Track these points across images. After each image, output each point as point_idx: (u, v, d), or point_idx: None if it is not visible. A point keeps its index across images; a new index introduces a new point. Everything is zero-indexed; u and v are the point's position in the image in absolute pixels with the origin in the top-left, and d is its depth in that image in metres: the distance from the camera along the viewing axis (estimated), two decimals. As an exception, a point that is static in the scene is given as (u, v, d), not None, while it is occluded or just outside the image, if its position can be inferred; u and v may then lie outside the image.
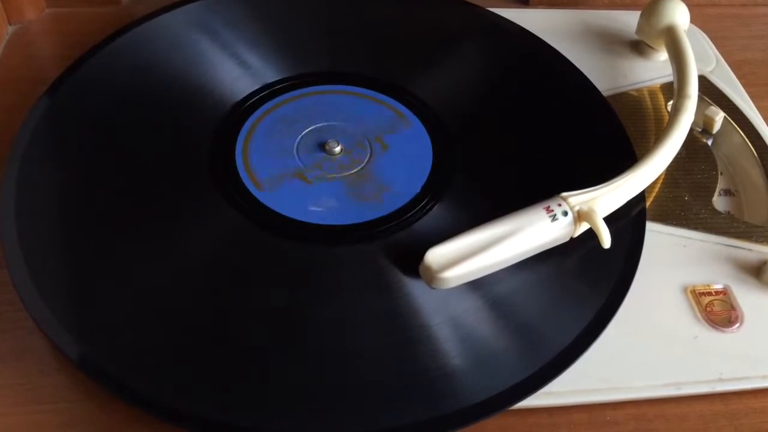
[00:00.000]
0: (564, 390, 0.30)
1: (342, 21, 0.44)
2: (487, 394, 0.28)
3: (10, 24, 0.45)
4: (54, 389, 0.30)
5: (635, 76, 0.45)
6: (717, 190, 0.39)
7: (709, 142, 0.42)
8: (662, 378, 0.31)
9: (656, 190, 0.39)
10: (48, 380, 0.30)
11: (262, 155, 0.36)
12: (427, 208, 0.35)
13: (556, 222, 0.32)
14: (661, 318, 0.33)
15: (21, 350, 0.31)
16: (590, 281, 0.33)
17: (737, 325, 0.33)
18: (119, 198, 0.34)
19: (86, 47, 0.40)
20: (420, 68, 0.42)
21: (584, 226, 0.33)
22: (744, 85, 0.45)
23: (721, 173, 0.40)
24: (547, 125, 0.40)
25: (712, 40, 0.48)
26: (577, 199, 0.32)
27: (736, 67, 0.46)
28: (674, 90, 0.40)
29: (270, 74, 0.40)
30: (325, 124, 0.38)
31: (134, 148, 0.36)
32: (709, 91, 0.44)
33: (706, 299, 0.34)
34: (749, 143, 0.41)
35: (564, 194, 0.33)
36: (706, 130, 0.42)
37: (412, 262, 0.31)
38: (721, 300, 0.34)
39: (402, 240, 0.33)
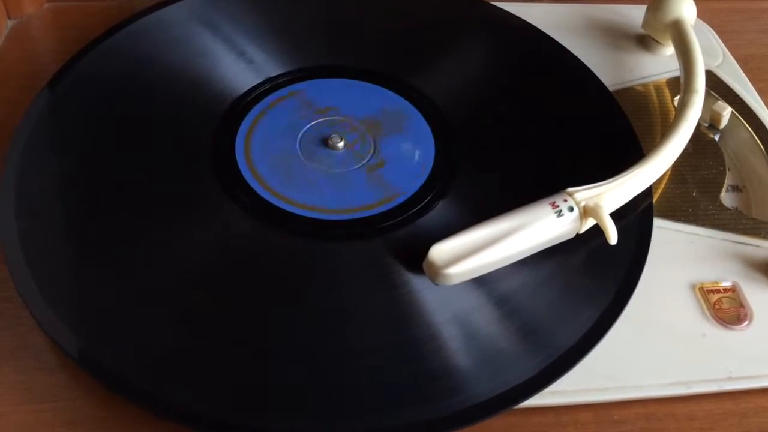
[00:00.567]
0: (570, 389, 0.30)
1: (344, 14, 0.43)
2: (492, 392, 0.28)
3: (10, 18, 0.45)
4: (54, 387, 0.29)
5: (641, 70, 0.45)
6: (725, 185, 0.38)
7: (716, 138, 0.41)
8: (670, 376, 0.30)
9: (662, 185, 0.38)
10: (48, 378, 0.29)
11: (263, 150, 0.35)
12: (431, 203, 0.34)
13: (561, 218, 0.31)
14: (668, 316, 0.32)
15: (21, 348, 0.30)
16: (596, 278, 0.32)
17: (746, 322, 0.32)
18: (119, 194, 0.33)
19: (86, 42, 0.39)
20: (423, 62, 0.41)
21: (590, 222, 0.32)
22: (751, 80, 0.44)
23: (729, 169, 0.40)
24: (553, 120, 0.39)
25: (718, 35, 0.48)
26: (583, 194, 0.32)
27: (743, 61, 0.46)
28: (681, 85, 0.40)
29: (272, 68, 0.39)
30: (328, 118, 0.37)
31: (135, 144, 0.35)
32: (716, 86, 0.44)
33: (715, 297, 0.33)
34: (757, 138, 0.41)
35: (570, 189, 0.32)
36: (713, 126, 0.41)
37: (415, 258, 0.31)
38: (730, 297, 0.33)
39: (405, 236, 0.33)
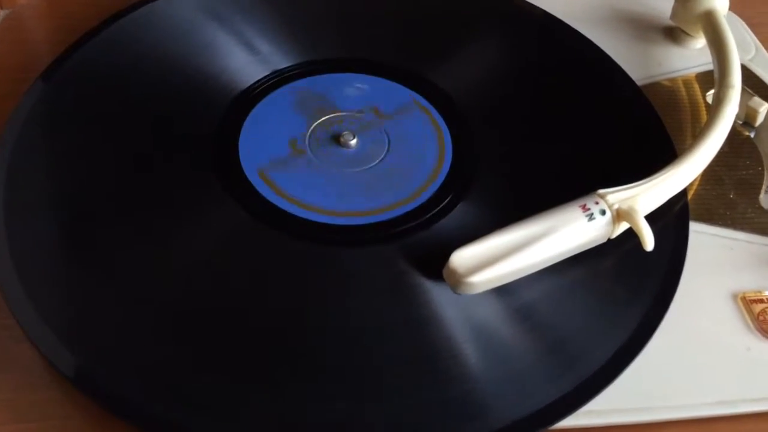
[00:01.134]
0: (604, 408, 0.27)
1: (356, 5, 0.41)
2: (519, 414, 0.26)
3: (1, 8, 0.43)
4: (45, 404, 0.27)
5: (669, 64, 0.43)
6: (764, 187, 0.36)
7: (752, 135, 0.39)
8: (712, 395, 0.28)
9: (695, 186, 0.36)
10: (38, 395, 0.27)
11: (270, 146, 0.34)
12: (450, 206, 0.32)
13: (593, 221, 0.29)
14: (708, 328, 0.30)
15: (9, 361, 0.28)
16: (630, 287, 0.30)
17: (793, 335, 0.30)
18: (116, 194, 0.31)
19: (83, 32, 0.37)
20: (439, 56, 0.39)
21: (623, 227, 0.30)
22: (786, 75, 0.42)
23: (767, 169, 0.37)
24: (578, 117, 0.37)
25: (750, 27, 0.46)
26: (615, 196, 0.30)
27: (777, 54, 0.44)
28: (715, 79, 0.38)
29: (280, 60, 0.37)
30: (339, 114, 0.35)
31: (133, 140, 0.34)
32: (749, 80, 0.41)
33: (759, 307, 0.31)
34: (795, 136, 0.38)
35: (601, 191, 0.30)
36: (748, 123, 0.39)
37: (434, 265, 0.29)
38: (774, 307, 0.31)
39: (422, 241, 0.31)
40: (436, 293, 0.29)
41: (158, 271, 0.29)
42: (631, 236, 0.30)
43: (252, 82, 0.36)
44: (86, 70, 0.36)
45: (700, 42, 0.43)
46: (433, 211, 0.32)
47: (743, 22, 0.46)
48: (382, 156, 0.34)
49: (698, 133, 0.34)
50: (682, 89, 0.41)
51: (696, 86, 0.42)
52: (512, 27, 0.42)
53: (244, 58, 0.37)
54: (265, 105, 0.35)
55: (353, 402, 0.26)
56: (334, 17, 0.40)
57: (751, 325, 0.30)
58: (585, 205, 0.30)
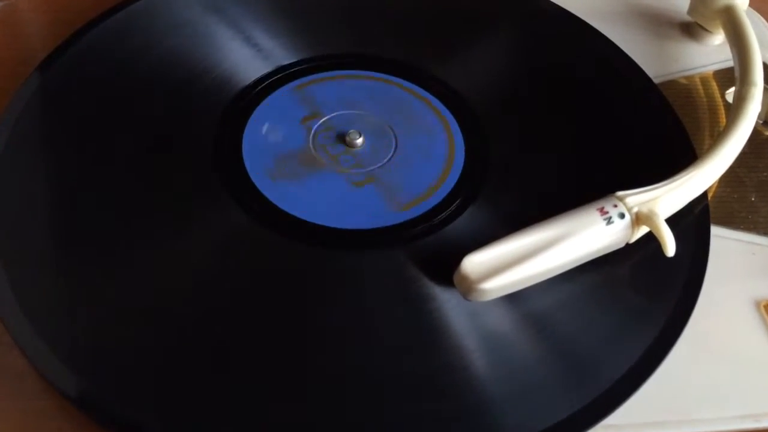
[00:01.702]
0: (621, 423, 0.26)
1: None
2: (532, 430, 0.25)
3: (-2, 0, 0.42)
4: (36, 417, 0.26)
5: (686, 61, 0.41)
6: (787, 189, 0.35)
7: (773, 136, 0.38)
8: (736, 408, 0.27)
9: (714, 188, 0.35)
10: (29, 405, 0.26)
11: (273, 146, 0.32)
12: (461, 208, 0.31)
13: (611, 225, 0.28)
14: (731, 337, 0.29)
15: (-1, 369, 0.27)
16: (649, 295, 0.29)
17: (820, 345, 0.29)
18: (113, 194, 0.30)
19: (80, 25, 0.36)
20: (450, 52, 0.38)
21: (642, 231, 0.29)
22: (808, 73, 0.41)
23: (790, 171, 0.36)
24: (593, 116, 0.36)
25: (769, 23, 0.44)
26: (635, 199, 0.29)
27: (797, 52, 0.42)
28: (736, 77, 0.36)
29: (284, 56, 0.36)
30: (345, 112, 0.34)
31: (131, 138, 0.32)
32: (770, 79, 0.40)
33: (783, 315, 0.30)
34: (818, 138, 0.37)
35: (619, 193, 0.29)
36: (769, 123, 0.38)
37: (444, 270, 0.28)
38: (800, 316, 0.30)
39: (432, 245, 0.30)
40: (446, 300, 0.28)
41: (158, 277, 0.28)
42: (647, 240, 0.29)
43: (255, 78, 0.35)
44: (83, 64, 0.35)
45: (718, 38, 0.42)
46: (444, 214, 0.31)
47: (762, 18, 0.45)
48: (389, 156, 0.33)
49: (720, 132, 0.33)
50: (700, 87, 0.40)
51: (714, 84, 0.40)
52: (525, 24, 0.40)
53: (245, 52, 0.36)
54: (269, 103, 0.34)
55: (355, 412, 0.25)
56: (340, 12, 0.39)
57: (776, 334, 0.29)
58: (603, 208, 0.28)
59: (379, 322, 0.27)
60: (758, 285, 0.31)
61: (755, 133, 0.37)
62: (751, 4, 0.44)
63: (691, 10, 0.42)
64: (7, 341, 0.27)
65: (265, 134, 0.33)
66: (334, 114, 0.34)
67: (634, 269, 0.29)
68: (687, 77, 0.41)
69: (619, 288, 0.29)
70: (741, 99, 0.34)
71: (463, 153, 0.33)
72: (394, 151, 0.33)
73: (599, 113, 0.36)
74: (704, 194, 0.32)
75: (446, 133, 0.34)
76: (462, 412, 0.25)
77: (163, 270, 0.28)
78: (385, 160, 0.32)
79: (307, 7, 0.39)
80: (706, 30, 0.42)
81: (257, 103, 0.34)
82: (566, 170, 0.33)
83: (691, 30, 0.43)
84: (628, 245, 0.29)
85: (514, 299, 0.28)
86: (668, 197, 0.29)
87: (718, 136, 0.33)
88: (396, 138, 0.33)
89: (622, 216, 0.28)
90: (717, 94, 0.40)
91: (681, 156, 0.33)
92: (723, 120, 0.38)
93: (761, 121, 0.38)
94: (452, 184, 0.32)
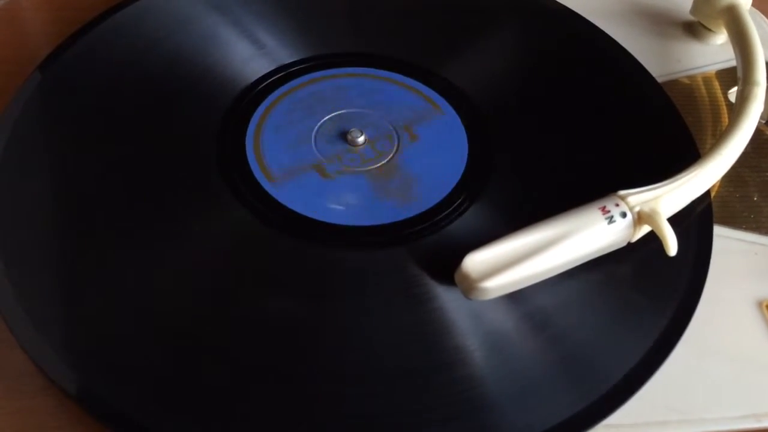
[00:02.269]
0: (624, 422, 0.26)
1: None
2: (534, 430, 0.25)
3: (-1, -1, 0.42)
4: (36, 414, 0.26)
5: (689, 61, 0.41)
6: (789, 189, 0.35)
7: (776, 135, 0.37)
8: (739, 408, 0.27)
9: (717, 188, 0.35)
10: (29, 403, 0.26)
11: (275, 145, 0.32)
12: (462, 207, 0.31)
13: (613, 224, 0.28)
14: (733, 337, 0.29)
15: (-1, 367, 0.27)
16: (651, 294, 0.29)
17: (822, 345, 0.29)
18: (114, 194, 0.30)
19: (82, 23, 0.36)
20: (453, 51, 0.38)
21: (644, 230, 0.29)
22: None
23: (793, 171, 0.36)
24: (596, 115, 0.36)
25: (772, 23, 0.44)
26: (637, 198, 0.29)
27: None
28: (739, 76, 0.36)
29: (286, 54, 0.36)
30: (347, 111, 0.34)
31: (133, 137, 0.32)
32: (772, 78, 0.40)
33: (786, 315, 0.30)
34: (821, 137, 0.37)
35: (621, 192, 0.29)
36: (772, 122, 0.38)
37: (445, 269, 0.28)
38: (801, 316, 0.30)
39: (433, 244, 0.29)
40: (447, 299, 0.27)
41: (159, 276, 0.28)
42: (648, 239, 0.28)
43: (257, 77, 0.35)
44: (84, 63, 0.35)
45: (720, 38, 0.42)
46: (446, 213, 0.30)
47: (765, 18, 0.45)
48: (391, 155, 0.33)
49: (722, 131, 0.33)
50: (702, 87, 0.40)
51: (716, 84, 0.40)
52: (528, 22, 0.40)
53: (248, 51, 0.36)
54: (271, 101, 0.34)
55: (355, 410, 0.25)
56: (342, 11, 0.39)
57: (778, 334, 0.29)
58: (605, 207, 0.28)
59: (379, 321, 0.27)
60: (760, 285, 0.31)
61: (758, 133, 0.37)
62: (753, 4, 0.43)
63: (694, 9, 0.42)
64: (7, 339, 0.27)
65: (267, 132, 0.33)
66: (336, 112, 0.34)
67: (636, 269, 0.29)
68: (689, 77, 0.40)
69: (621, 287, 0.29)
70: (743, 98, 0.34)
71: (466, 151, 0.33)
72: (397, 150, 0.33)
73: (602, 112, 0.36)
74: (707, 194, 0.32)
75: (449, 131, 0.34)
76: (462, 412, 0.25)
77: (163, 269, 0.28)
78: (388, 159, 0.32)
79: (309, 6, 0.39)
80: (709, 29, 0.42)
81: (259, 102, 0.34)
82: (568, 169, 0.33)
83: (694, 29, 0.43)
84: (630, 244, 0.29)
85: (516, 298, 0.27)
86: (670, 196, 0.29)
87: (721, 135, 0.32)
88: (398, 136, 0.33)
89: (623, 215, 0.28)
90: (719, 94, 0.39)
91: (683, 155, 0.33)
92: (725, 120, 0.38)
93: (764, 121, 0.38)
94: (455, 183, 0.31)
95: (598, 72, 0.38)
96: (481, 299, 0.27)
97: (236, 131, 0.32)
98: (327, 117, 0.34)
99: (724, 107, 0.39)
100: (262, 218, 0.30)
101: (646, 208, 0.28)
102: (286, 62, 0.36)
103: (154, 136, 0.32)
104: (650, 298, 0.28)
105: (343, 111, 0.34)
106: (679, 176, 0.30)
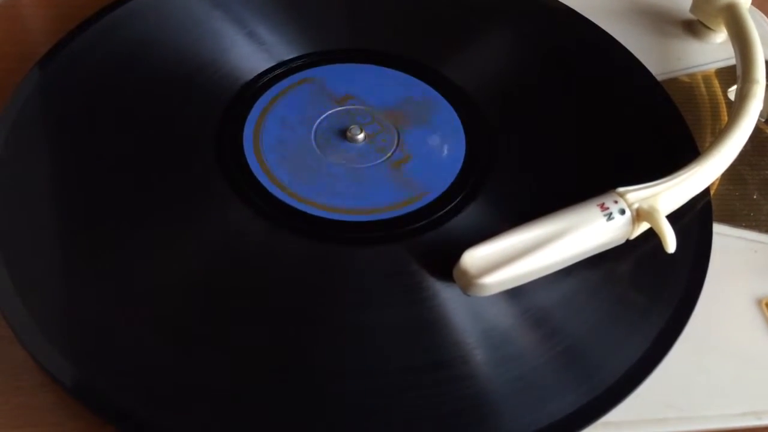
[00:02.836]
0: (624, 420, 0.26)
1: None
2: (532, 426, 0.25)
3: (-1, -4, 0.42)
4: (35, 410, 0.26)
5: (688, 59, 0.41)
6: (789, 187, 0.35)
7: (776, 133, 0.37)
8: (738, 406, 0.27)
9: (716, 186, 0.35)
10: (28, 399, 0.26)
11: (274, 142, 0.32)
12: (462, 204, 0.31)
13: (612, 221, 0.28)
14: (732, 334, 0.29)
15: (-3, 363, 0.27)
16: (651, 292, 0.29)
17: (821, 342, 0.29)
18: (113, 191, 0.30)
19: (81, 20, 0.36)
20: (453, 48, 0.38)
21: (643, 227, 0.29)
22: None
23: (792, 169, 0.36)
24: (595, 113, 0.36)
25: (771, 22, 0.44)
26: (636, 195, 0.29)
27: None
28: (738, 75, 0.36)
29: (286, 51, 0.36)
30: (347, 107, 0.34)
31: (132, 133, 0.32)
32: (772, 77, 0.40)
33: (785, 313, 0.30)
34: (820, 135, 0.37)
35: (620, 189, 0.29)
36: (771, 121, 0.38)
37: (444, 265, 0.28)
38: (800, 313, 0.30)
39: (433, 240, 0.29)
40: (446, 295, 0.27)
41: (160, 272, 0.28)
42: (651, 237, 0.28)
43: (256, 73, 0.35)
44: (83, 59, 0.34)
45: (720, 36, 0.42)
46: (445, 209, 0.30)
47: (765, 17, 0.45)
48: (391, 152, 0.32)
49: (722, 129, 0.33)
50: (702, 86, 0.40)
51: (716, 82, 0.40)
52: (528, 20, 0.40)
53: (247, 47, 0.36)
54: (270, 98, 0.34)
55: (354, 407, 0.25)
56: (342, 7, 0.39)
57: (777, 332, 0.29)
58: (603, 204, 0.28)
59: (378, 317, 0.27)
60: (760, 283, 0.31)
61: (758, 131, 0.37)
62: (753, 3, 0.43)
63: (694, 7, 0.42)
64: (7, 335, 0.27)
65: (266, 128, 0.33)
66: (336, 109, 0.34)
67: (636, 266, 0.29)
68: (689, 75, 0.40)
69: (620, 285, 0.29)
70: (743, 96, 0.34)
71: (465, 148, 0.33)
72: (396, 146, 0.33)
73: (601, 110, 0.36)
74: (707, 192, 0.32)
75: (448, 128, 0.34)
76: (461, 408, 0.25)
77: (163, 264, 0.28)
78: (387, 155, 0.32)
79: (309, 2, 0.38)
80: (709, 28, 0.42)
81: (259, 98, 0.34)
82: (568, 166, 0.33)
83: (694, 28, 0.43)
84: (629, 242, 0.29)
85: (515, 295, 0.27)
86: (669, 194, 0.29)
87: (720, 133, 0.32)
88: (398, 133, 0.33)
89: (622, 212, 0.28)
90: (719, 92, 0.39)
91: (683, 153, 0.33)
92: (725, 118, 0.38)
93: (763, 119, 0.38)
94: (454, 179, 0.31)
95: (598, 70, 0.38)
96: (480, 295, 0.27)
97: (236, 127, 0.32)
98: (327, 113, 0.34)
99: (724, 105, 0.39)
100: (262, 214, 0.29)
101: (644, 205, 0.28)
102: (286, 58, 0.36)
103: (153, 132, 0.32)
104: (649, 296, 0.28)
105: (343, 108, 0.34)
106: (677, 173, 0.30)
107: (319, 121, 0.33)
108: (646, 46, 0.41)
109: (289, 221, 0.29)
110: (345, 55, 0.36)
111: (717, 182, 0.35)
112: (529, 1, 0.41)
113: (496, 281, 0.26)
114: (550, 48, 0.39)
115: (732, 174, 0.35)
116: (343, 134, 0.33)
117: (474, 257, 0.27)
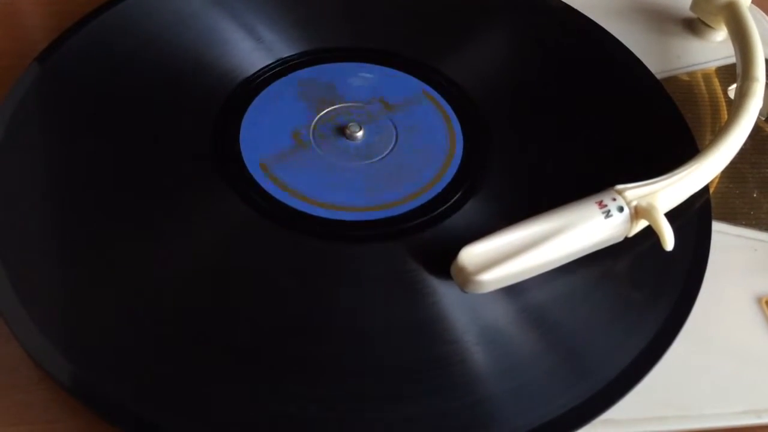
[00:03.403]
0: (622, 418, 0.26)
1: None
2: (530, 424, 0.24)
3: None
4: (30, 407, 0.26)
5: (688, 57, 0.41)
6: (789, 185, 0.35)
7: (776, 132, 0.37)
8: (737, 404, 0.27)
9: (716, 184, 0.35)
10: (24, 397, 0.26)
11: (272, 139, 0.32)
12: (460, 202, 0.31)
13: (610, 219, 0.28)
14: (732, 333, 0.29)
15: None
16: (649, 290, 0.28)
17: (821, 341, 0.29)
18: (112, 188, 0.30)
19: (80, 17, 0.36)
20: (451, 46, 0.37)
21: (641, 225, 0.29)
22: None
23: (792, 167, 0.36)
24: (595, 110, 0.36)
25: (772, 20, 0.44)
26: (634, 192, 0.28)
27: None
28: (738, 73, 0.36)
29: (284, 48, 0.36)
30: (345, 105, 0.34)
31: (130, 130, 0.32)
32: (772, 75, 0.40)
33: (785, 311, 0.29)
34: (820, 134, 0.37)
35: (619, 187, 0.29)
36: (771, 119, 0.38)
37: (442, 262, 0.27)
38: (800, 312, 0.30)
39: (431, 238, 0.29)
40: (443, 292, 0.27)
41: (157, 270, 0.28)
42: (649, 235, 0.28)
43: (255, 70, 0.35)
44: (81, 56, 0.34)
45: (720, 34, 0.42)
46: (443, 207, 0.30)
47: (765, 15, 0.45)
48: (389, 149, 0.32)
49: (721, 126, 0.33)
50: (702, 84, 0.40)
51: (716, 81, 0.40)
52: (527, 17, 0.40)
53: (246, 45, 0.36)
54: (268, 95, 0.34)
55: (352, 407, 0.25)
56: (340, 5, 0.39)
57: (777, 330, 0.29)
58: (602, 202, 0.28)
59: (376, 315, 0.27)
60: (759, 281, 0.31)
61: (757, 130, 0.37)
62: (753, 1, 0.43)
63: (694, 6, 0.42)
64: (4, 333, 0.27)
65: (264, 125, 0.32)
66: (334, 106, 0.34)
67: (634, 264, 0.29)
68: (689, 73, 0.40)
69: (618, 282, 0.29)
70: (742, 94, 0.34)
71: (463, 146, 0.33)
72: (395, 144, 0.33)
73: (601, 108, 0.36)
74: (706, 190, 0.32)
75: (446, 126, 0.33)
76: (459, 406, 0.25)
77: (160, 260, 0.28)
78: (386, 153, 0.32)
79: (309, 1, 0.38)
80: (709, 26, 0.42)
81: (257, 95, 0.33)
82: (566, 164, 0.33)
83: (694, 26, 0.43)
84: (628, 239, 0.29)
85: (513, 292, 0.27)
86: (667, 191, 0.29)
87: (719, 131, 0.32)
88: (396, 130, 0.33)
89: (620, 209, 0.28)
90: (719, 91, 0.39)
91: (682, 151, 0.33)
92: (725, 116, 0.38)
93: (763, 117, 0.38)
94: (452, 177, 0.31)
95: (598, 68, 0.38)
96: (478, 292, 0.27)
97: (234, 124, 0.32)
98: (325, 111, 0.33)
99: (724, 104, 0.39)
100: (260, 212, 0.29)
101: (643, 203, 0.28)
102: (285, 55, 0.35)
103: (151, 129, 0.32)
104: (648, 294, 0.28)
105: (340, 105, 0.34)
106: (676, 171, 0.30)
107: (317, 118, 0.33)
108: (646, 44, 0.41)
109: (287, 218, 0.29)
110: (344, 53, 0.36)
111: (717, 180, 0.34)
112: (529, 0, 0.41)
113: (494, 278, 0.26)
114: (550, 46, 0.39)
115: (732, 172, 0.34)
116: (342, 132, 0.33)
117: (471, 254, 0.27)
